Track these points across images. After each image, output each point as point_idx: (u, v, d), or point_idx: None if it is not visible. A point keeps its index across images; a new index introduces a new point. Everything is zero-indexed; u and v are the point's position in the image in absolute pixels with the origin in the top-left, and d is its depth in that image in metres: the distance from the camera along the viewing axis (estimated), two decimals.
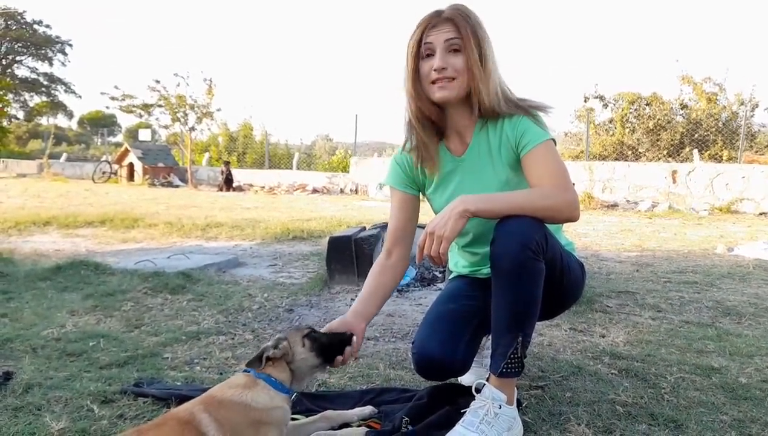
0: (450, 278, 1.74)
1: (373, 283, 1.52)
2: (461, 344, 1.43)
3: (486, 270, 1.55)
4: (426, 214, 1.57)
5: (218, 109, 15.84)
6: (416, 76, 1.44)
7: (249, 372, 1.27)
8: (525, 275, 1.27)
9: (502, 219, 1.30)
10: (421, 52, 1.41)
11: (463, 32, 1.36)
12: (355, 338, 1.37)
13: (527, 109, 1.42)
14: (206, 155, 18.16)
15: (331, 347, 1.33)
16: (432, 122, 1.49)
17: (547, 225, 1.34)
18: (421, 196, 1.62)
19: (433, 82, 1.40)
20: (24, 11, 34.50)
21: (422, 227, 1.63)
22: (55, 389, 1.60)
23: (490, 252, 1.30)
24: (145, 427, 1.16)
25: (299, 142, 20.98)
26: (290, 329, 1.38)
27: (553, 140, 1.40)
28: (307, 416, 1.41)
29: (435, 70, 1.38)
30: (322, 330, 1.40)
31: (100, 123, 43.08)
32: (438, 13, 1.39)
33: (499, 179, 1.44)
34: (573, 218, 1.34)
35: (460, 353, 1.42)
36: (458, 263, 1.69)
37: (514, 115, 1.41)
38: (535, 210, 1.29)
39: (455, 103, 1.43)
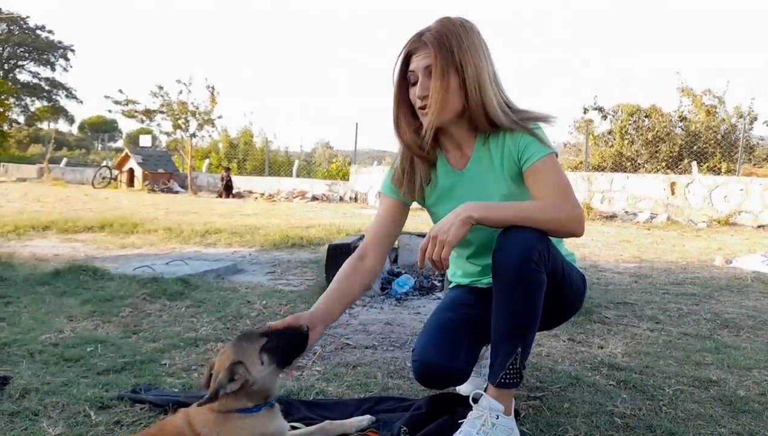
0: (449, 287, 1.74)
1: (345, 284, 1.46)
2: (461, 353, 1.43)
3: (485, 281, 1.55)
4: (424, 223, 1.57)
5: (220, 117, 15.94)
6: (400, 103, 1.42)
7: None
8: (527, 286, 1.27)
9: (505, 230, 1.30)
10: (408, 78, 1.39)
11: (440, 58, 1.31)
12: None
13: (528, 127, 1.40)
14: (206, 162, 18.20)
15: (289, 351, 1.22)
16: (414, 155, 1.47)
17: (547, 236, 1.34)
18: (414, 205, 1.62)
19: (420, 109, 1.39)
20: (27, 16, 34.81)
21: (422, 235, 1.64)
22: (52, 394, 1.60)
23: (493, 262, 1.30)
24: None
25: (299, 150, 21.07)
26: (241, 344, 1.18)
27: (555, 154, 1.40)
28: (306, 424, 1.41)
29: (417, 97, 1.37)
30: (279, 324, 1.27)
31: (101, 128, 43.15)
32: (419, 36, 1.36)
33: (501, 193, 1.44)
34: (576, 233, 1.33)
35: (460, 361, 1.42)
36: (456, 272, 1.69)
37: (516, 129, 1.40)
38: (538, 222, 1.29)
39: (448, 122, 1.41)
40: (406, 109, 1.43)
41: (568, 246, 1.65)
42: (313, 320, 1.35)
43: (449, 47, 1.32)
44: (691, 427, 1.48)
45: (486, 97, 1.36)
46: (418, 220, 1.56)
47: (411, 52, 1.37)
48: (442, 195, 1.52)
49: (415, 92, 1.38)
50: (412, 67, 1.37)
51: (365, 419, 1.44)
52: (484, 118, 1.39)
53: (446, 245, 1.25)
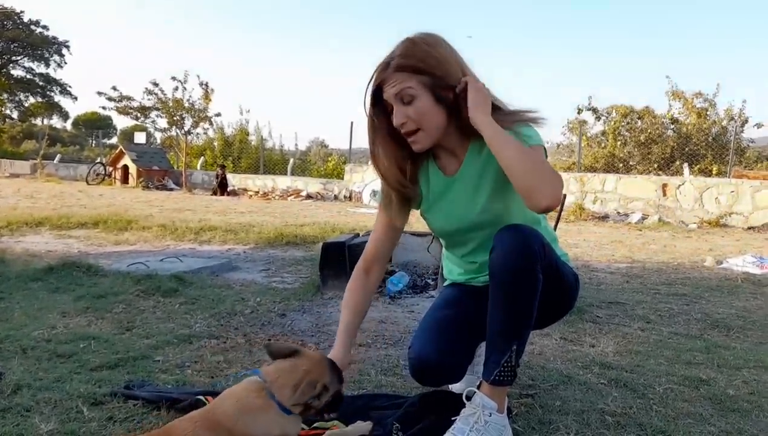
0: (444, 285, 1.75)
1: (354, 309, 1.49)
2: (457, 351, 1.44)
3: (482, 279, 1.56)
4: (419, 221, 1.58)
5: (217, 114, 15.87)
6: (376, 133, 1.41)
7: (262, 384, 1.16)
8: (522, 285, 1.28)
9: (501, 228, 1.31)
10: (386, 106, 1.38)
11: (408, 82, 1.30)
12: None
13: (516, 128, 1.37)
14: (201, 159, 18.13)
15: (330, 406, 1.26)
16: (390, 188, 1.47)
17: (543, 234, 1.35)
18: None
19: (405, 135, 1.37)
20: (21, 11, 34.31)
21: (417, 234, 1.64)
22: (45, 390, 1.59)
23: (489, 260, 1.31)
24: None
25: (294, 148, 21.01)
26: (335, 377, 1.25)
27: (544, 149, 1.40)
28: None
29: (396, 126, 1.36)
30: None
31: (95, 125, 42.91)
32: (386, 66, 1.34)
33: (487, 194, 1.42)
34: (544, 197, 1.22)
35: (456, 359, 1.43)
36: (453, 270, 1.69)
37: (508, 128, 1.38)
38: (524, 155, 1.25)
39: (438, 138, 1.40)
40: (382, 140, 1.42)
41: (561, 246, 1.66)
42: (343, 360, 1.38)
43: (416, 69, 1.31)
44: (681, 425, 1.50)
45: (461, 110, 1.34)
46: (411, 219, 1.55)
47: (381, 83, 1.35)
48: (434, 201, 1.51)
49: (394, 123, 1.36)
50: (385, 96, 1.35)
51: (366, 425, 1.40)
52: (469, 124, 1.36)
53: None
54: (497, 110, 1.40)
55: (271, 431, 1.14)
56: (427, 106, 1.33)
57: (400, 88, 1.31)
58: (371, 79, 1.37)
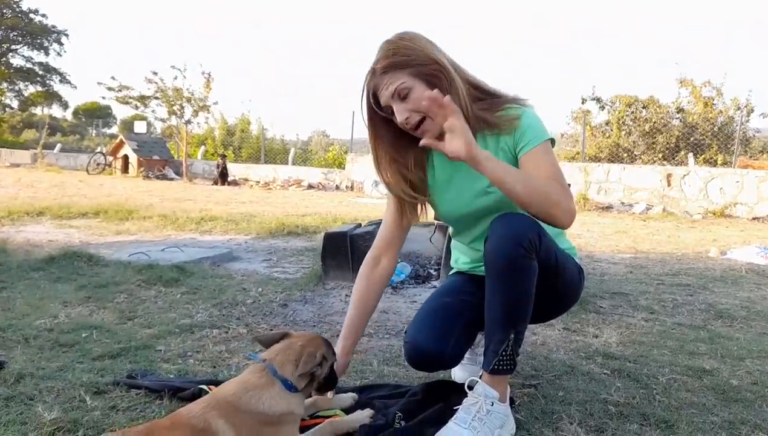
0: (450, 273, 1.74)
1: (360, 307, 1.54)
2: (452, 337, 1.43)
3: None
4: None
5: (215, 103, 15.81)
6: (378, 141, 1.43)
7: (263, 364, 1.22)
8: (517, 273, 1.28)
9: (497, 217, 1.31)
10: (386, 111, 1.38)
11: (399, 78, 1.32)
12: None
13: (516, 115, 1.37)
14: (202, 149, 18.10)
15: (327, 381, 1.32)
16: (393, 194, 1.50)
17: (541, 225, 1.33)
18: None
19: (413, 130, 1.37)
20: None
21: (424, 225, 1.63)
22: (48, 379, 1.60)
23: (484, 249, 1.31)
24: (153, 428, 1.11)
25: (295, 138, 21.01)
26: (330, 348, 1.32)
27: (552, 140, 1.39)
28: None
29: (402, 124, 1.36)
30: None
31: (96, 114, 42.80)
32: (373, 73, 1.36)
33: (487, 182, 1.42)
34: (564, 222, 1.29)
35: (450, 345, 1.42)
36: (459, 259, 1.69)
37: (513, 121, 1.38)
38: (534, 189, 1.26)
39: None
40: (385, 149, 1.44)
41: (568, 238, 1.64)
42: (343, 363, 1.48)
43: (402, 64, 1.32)
44: (684, 415, 1.49)
45: (455, 86, 1.34)
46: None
47: (375, 90, 1.37)
48: (441, 186, 1.51)
49: (398, 121, 1.36)
50: (383, 102, 1.37)
51: (366, 413, 1.41)
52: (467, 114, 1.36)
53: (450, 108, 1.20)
54: (487, 96, 1.41)
55: (276, 406, 1.17)
56: (423, 94, 1.32)
57: (394, 87, 1.33)
58: (363, 90, 1.38)
